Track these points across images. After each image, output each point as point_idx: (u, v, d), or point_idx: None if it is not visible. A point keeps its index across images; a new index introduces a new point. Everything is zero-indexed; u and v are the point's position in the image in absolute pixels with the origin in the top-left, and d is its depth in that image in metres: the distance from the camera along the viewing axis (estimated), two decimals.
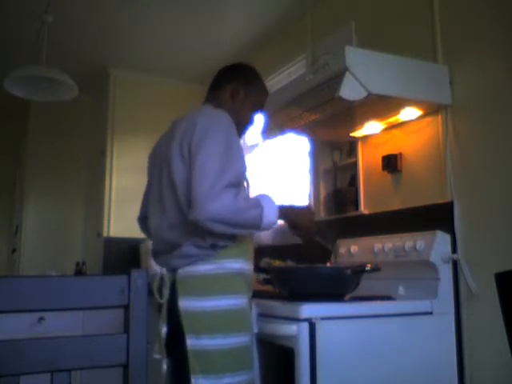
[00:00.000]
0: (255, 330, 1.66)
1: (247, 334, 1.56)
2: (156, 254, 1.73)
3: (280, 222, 1.69)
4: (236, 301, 1.55)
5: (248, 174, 1.69)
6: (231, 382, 1.49)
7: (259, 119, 1.93)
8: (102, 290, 0.92)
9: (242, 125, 1.81)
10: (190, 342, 1.49)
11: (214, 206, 1.45)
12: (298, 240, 1.83)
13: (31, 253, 4.34)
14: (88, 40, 3.66)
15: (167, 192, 1.63)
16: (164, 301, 1.56)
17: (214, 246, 1.56)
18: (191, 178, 1.51)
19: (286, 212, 1.69)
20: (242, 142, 1.76)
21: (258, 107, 1.86)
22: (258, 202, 1.56)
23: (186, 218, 1.55)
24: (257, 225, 1.55)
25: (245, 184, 1.68)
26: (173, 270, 1.58)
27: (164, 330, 1.56)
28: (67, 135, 4.56)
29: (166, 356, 1.59)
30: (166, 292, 1.56)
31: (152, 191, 1.75)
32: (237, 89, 1.80)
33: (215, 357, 1.48)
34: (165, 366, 1.56)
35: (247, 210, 1.52)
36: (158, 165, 1.71)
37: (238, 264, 1.59)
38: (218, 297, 1.53)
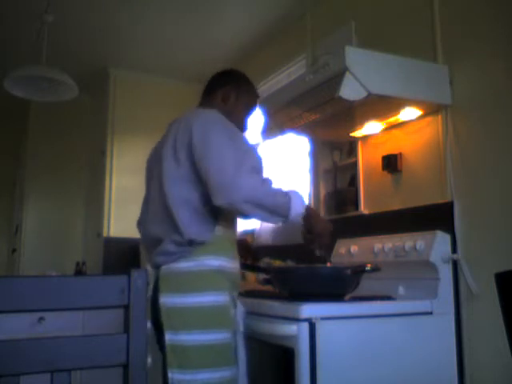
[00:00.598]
0: (241, 329, 1.66)
1: (227, 331, 1.57)
2: (147, 252, 1.76)
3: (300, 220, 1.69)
4: (215, 297, 1.56)
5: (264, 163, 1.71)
6: (208, 378, 1.50)
7: (251, 124, 1.95)
8: (102, 290, 0.92)
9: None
10: (168, 337, 1.52)
11: (245, 186, 1.48)
12: (300, 240, 1.83)
13: (31, 253, 4.34)
14: (88, 40, 3.66)
15: (155, 189, 1.68)
16: (148, 297, 1.59)
17: (191, 243, 1.58)
18: (207, 172, 1.52)
19: (310, 213, 1.70)
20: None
21: (250, 110, 1.90)
22: (286, 192, 1.59)
23: (169, 213, 1.58)
24: (285, 213, 1.57)
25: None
26: (157, 267, 1.62)
27: (148, 325, 1.58)
28: (67, 135, 4.56)
29: (160, 350, 1.61)
30: (150, 289, 1.60)
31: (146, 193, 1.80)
32: (228, 92, 1.85)
33: (192, 352, 1.50)
34: (149, 360, 1.58)
35: (276, 195, 1.55)
36: (152, 168, 1.76)
37: (218, 261, 1.60)
38: (197, 293, 1.54)
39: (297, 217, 1.61)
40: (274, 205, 1.55)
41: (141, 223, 1.89)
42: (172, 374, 1.50)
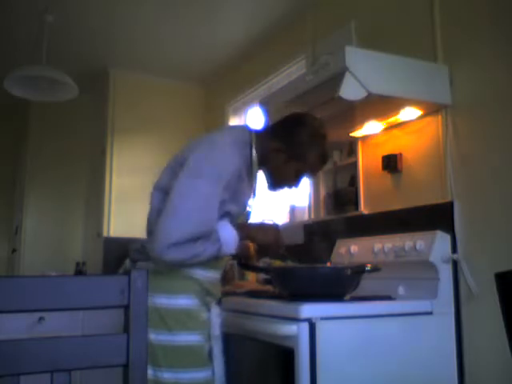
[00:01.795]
0: (216, 332, 1.66)
1: (196, 333, 1.58)
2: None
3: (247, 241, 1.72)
4: (182, 300, 1.58)
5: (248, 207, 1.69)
6: (170, 378, 1.52)
7: (305, 183, 1.86)
8: (102, 289, 0.91)
9: (280, 183, 1.76)
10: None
11: (168, 256, 1.48)
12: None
13: (31, 253, 4.34)
14: (88, 40, 3.66)
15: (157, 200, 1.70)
16: None
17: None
18: (163, 211, 1.52)
19: (250, 232, 1.70)
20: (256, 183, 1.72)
21: (305, 173, 1.73)
22: (217, 238, 1.55)
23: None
24: (213, 257, 1.58)
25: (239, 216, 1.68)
26: (134, 261, 1.71)
27: None
28: (67, 135, 4.56)
29: None
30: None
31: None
32: (279, 149, 1.68)
33: (159, 352, 1.53)
34: None
35: (203, 253, 1.53)
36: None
37: (187, 267, 1.60)
38: (165, 295, 1.57)
39: (227, 255, 1.63)
40: (200, 259, 1.54)
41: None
42: (148, 370, 1.52)
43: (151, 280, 1.55)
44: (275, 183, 1.76)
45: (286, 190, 1.80)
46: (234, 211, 1.63)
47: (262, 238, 1.72)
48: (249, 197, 1.70)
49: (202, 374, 1.56)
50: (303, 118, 1.75)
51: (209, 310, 1.66)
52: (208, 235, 1.53)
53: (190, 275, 1.60)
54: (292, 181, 1.75)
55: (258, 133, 1.71)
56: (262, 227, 1.76)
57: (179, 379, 1.52)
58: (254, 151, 1.66)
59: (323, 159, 1.74)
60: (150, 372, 1.52)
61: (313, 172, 1.76)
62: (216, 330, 1.67)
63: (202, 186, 1.52)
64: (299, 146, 1.68)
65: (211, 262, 1.62)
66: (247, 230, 1.69)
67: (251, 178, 1.68)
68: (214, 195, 1.53)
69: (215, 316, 1.68)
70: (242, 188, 1.63)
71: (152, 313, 1.53)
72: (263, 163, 1.70)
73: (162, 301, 1.56)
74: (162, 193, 1.63)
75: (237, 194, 1.62)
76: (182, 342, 1.55)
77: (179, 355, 1.54)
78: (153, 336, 1.53)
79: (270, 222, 1.79)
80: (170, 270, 1.59)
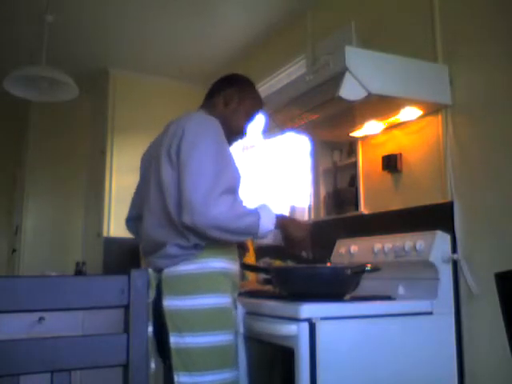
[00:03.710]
0: (241, 330, 1.66)
1: (230, 332, 1.57)
2: (145, 255, 1.75)
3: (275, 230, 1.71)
4: (218, 299, 1.56)
5: (242, 181, 1.70)
6: (214, 380, 1.50)
7: (251, 131, 1.93)
8: (102, 290, 0.91)
9: (233, 133, 1.81)
10: (173, 340, 1.52)
11: (212, 213, 1.47)
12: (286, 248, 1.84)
13: (31, 253, 4.34)
14: (88, 40, 3.66)
15: (155, 193, 1.66)
16: (150, 301, 1.57)
17: (197, 246, 1.58)
18: (183, 182, 1.52)
19: (285, 223, 1.71)
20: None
21: (251, 116, 1.86)
22: (256, 210, 1.59)
23: (171, 218, 1.57)
24: (253, 232, 1.58)
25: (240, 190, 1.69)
26: (159, 271, 1.61)
27: (150, 329, 1.57)
28: (67, 135, 4.56)
29: (160, 356, 1.61)
30: (152, 292, 1.58)
31: (142, 192, 1.78)
32: (230, 96, 1.82)
33: (197, 355, 1.50)
34: (153, 365, 1.58)
35: (244, 217, 1.54)
36: (148, 166, 1.75)
37: (220, 263, 1.60)
38: (200, 295, 1.54)
39: (266, 233, 1.62)
40: (241, 227, 1.55)
41: (131, 220, 1.89)
42: (178, 377, 1.50)
43: (186, 282, 1.55)
44: (230, 133, 1.78)
45: (237, 137, 1.86)
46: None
47: (294, 232, 1.72)
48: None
49: (232, 374, 1.55)
50: (230, 75, 1.93)
51: (236, 306, 1.66)
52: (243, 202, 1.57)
53: (222, 271, 1.59)
54: (242, 125, 1.83)
55: (205, 105, 1.84)
56: (295, 221, 1.79)
57: (215, 381, 1.50)
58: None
59: (261, 101, 1.90)
60: (185, 379, 1.49)
61: (257, 113, 1.87)
62: (241, 327, 1.68)
63: (206, 148, 1.56)
64: (244, 89, 1.85)
65: (233, 250, 1.64)
66: (281, 220, 1.68)
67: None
68: (222, 151, 1.59)
69: (240, 312, 1.69)
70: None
71: (188, 315, 1.53)
72: (223, 123, 1.73)
73: (198, 301, 1.53)
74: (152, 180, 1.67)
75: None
76: (219, 343, 1.53)
77: (217, 356, 1.52)
78: (190, 339, 1.51)
79: (303, 219, 1.82)
80: (204, 271, 1.56)
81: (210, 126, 1.63)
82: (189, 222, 1.49)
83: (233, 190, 1.56)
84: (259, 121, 2.09)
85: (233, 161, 1.62)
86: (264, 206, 1.64)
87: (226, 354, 1.54)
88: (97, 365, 0.90)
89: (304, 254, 1.80)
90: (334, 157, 2.80)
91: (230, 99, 1.81)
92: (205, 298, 1.54)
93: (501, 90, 1.94)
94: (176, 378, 1.50)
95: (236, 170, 1.62)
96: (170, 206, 1.58)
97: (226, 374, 1.53)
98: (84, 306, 0.95)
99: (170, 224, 1.59)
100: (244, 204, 1.59)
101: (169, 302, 1.55)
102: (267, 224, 1.59)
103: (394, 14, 2.47)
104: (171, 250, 1.59)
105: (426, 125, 2.23)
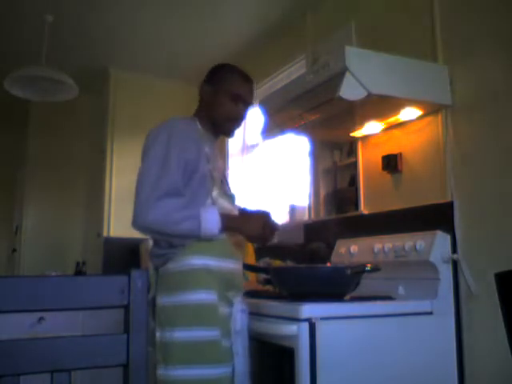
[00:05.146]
0: (237, 328, 1.66)
1: (214, 329, 1.57)
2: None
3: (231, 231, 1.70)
4: (200, 295, 1.57)
5: (229, 179, 1.72)
6: (186, 374, 1.51)
7: (252, 112, 1.90)
8: (102, 289, 0.91)
9: (225, 120, 1.77)
10: (157, 334, 1.57)
11: (147, 218, 1.53)
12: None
13: (31, 253, 4.34)
14: (88, 40, 3.66)
15: None
16: (150, 298, 1.62)
17: (171, 246, 1.62)
18: (135, 186, 1.60)
19: (237, 224, 1.69)
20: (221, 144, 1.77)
21: (236, 96, 1.75)
22: (198, 214, 1.58)
23: None
24: (194, 235, 1.59)
25: (219, 188, 1.70)
26: (156, 269, 1.66)
27: (151, 324, 1.61)
28: (67, 135, 4.56)
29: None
30: (152, 290, 1.64)
31: None
32: (204, 90, 1.79)
33: (174, 349, 1.53)
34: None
35: (182, 222, 1.56)
36: None
37: (202, 260, 1.60)
38: (182, 292, 1.57)
39: (211, 235, 1.60)
40: (179, 232, 1.57)
41: None
42: (158, 370, 1.54)
43: (171, 280, 1.58)
44: (221, 122, 1.77)
45: (237, 125, 1.82)
46: (215, 175, 1.68)
47: (249, 229, 1.69)
48: (218, 163, 1.77)
49: (216, 371, 1.55)
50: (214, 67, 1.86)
51: (230, 304, 1.65)
52: (185, 205, 1.59)
53: (203, 267, 1.59)
54: (231, 109, 1.76)
55: (195, 111, 1.83)
56: (248, 217, 1.74)
57: (193, 376, 1.51)
58: (198, 122, 1.75)
59: (246, 78, 1.80)
60: (163, 372, 1.52)
61: (239, 90, 1.78)
62: (237, 325, 1.66)
63: (155, 152, 1.61)
64: (214, 76, 1.80)
65: (221, 247, 1.63)
66: (232, 222, 1.67)
67: (211, 145, 1.75)
68: (169, 154, 1.59)
69: (237, 311, 1.67)
70: (206, 153, 1.68)
71: (170, 311, 1.56)
72: (207, 118, 1.76)
73: (179, 298, 1.56)
74: None
75: (207, 157, 1.67)
76: (198, 338, 1.54)
77: (196, 352, 1.53)
78: (169, 334, 1.54)
79: (256, 210, 1.78)
80: (185, 268, 1.58)
81: (166, 129, 1.66)
82: (133, 225, 1.57)
83: (175, 193, 1.57)
84: (257, 114, 2.04)
85: (182, 163, 1.60)
86: (208, 209, 1.61)
87: (206, 350, 1.54)
88: (97, 365, 0.90)
89: (273, 241, 1.78)
90: (334, 157, 2.80)
91: (205, 93, 1.78)
92: (186, 294, 1.56)
93: (500, 90, 1.94)
94: (157, 371, 1.54)
95: (173, 171, 1.59)
96: None
97: (205, 370, 1.53)
98: (84, 306, 0.95)
99: None
100: (186, 208, 1.59)
101: (158, 300, 1.60)
102: (210, 228, 1.59)
103: (394, 14, 2.47)
104: (154, 249, 1.68)
105: (426, 125, 2.23)
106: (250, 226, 1.69)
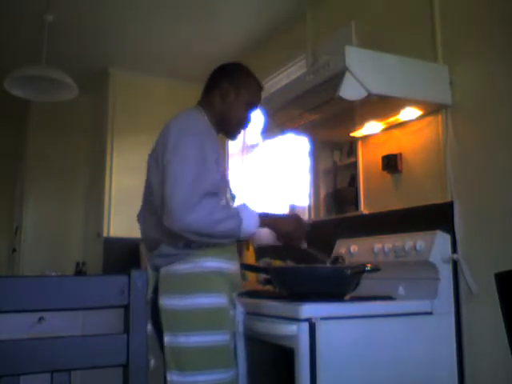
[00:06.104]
0: (240, 330, 1.66)
1: (225, 332, 1.57)
2: (148, 251, 1.78)
3: (266, 229, 1.72)
4: (213, 299, 1.56)
5: (230, 180, 1.71)
6: (206, 380, 1.50)
7: (256, 116, 1.91)
8: (102, 289, 0.92)
9: (235, 126, 1.80)
10: (167, 339, 1.53)
11: (189, 218, 1.47)
12: (288, 247, 1.84)
13: (31, 253, 4.34)
14: (88, 40, 3.66)
15: (149, 194, 1.70)
16: (148, 299, 1.58)
17: (189, 246, 1.59)
18: (164, 186, 1.52)
19: (271, 221, 1.70)
20: (227, 144, 1.77)
21: (252, 104, 1.81)
22: (237, 213, 1.57)
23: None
24: (235, 235, 1.58)
25: (227, 191, 1.70)
26: (156, 269, 1.63)
27: (148, 327, 1.58)
28: (67, 135, 4.56)
29: (162, 353, 1.61)
30: (150, 291, 1.60)
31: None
32: (226, 91, 1.77)
33: (190, 354, 1.51)
34: (152, 362, 1.58)
35: (224, 221, 1.54)
36: (149, 168, 1.76)
37: (216, 263, 1.60)
38: (195, 295, 1.54)
39: (249, 235, 1.61)
40: (221, 232, 1.54)
41: (140, 217, 1.90)
42: (170, 376, 1.51)
43: (181, 282, 1.55)
44: (232, 126, 1.78)
45: (241, 129, 1.83)
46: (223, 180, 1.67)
47: (283, 228, 1.72)
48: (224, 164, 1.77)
49: (227, 375, 1.54)
50: (223, 66, 1.86)
51: (234, 307, 1.65)
52: (225, 202, 1.57)
53: (217, 271, 1.58)
54: (244, 116, 1.79)
55: (202, 101, 1.80)
56: (281, 216, 1.79)
57: (208, 381, 1.50)
58: (206, 118, 1.73)
59: (260, 86, 1.85)
60: (177, 378, 1.50)
61: (257, 100, 1.82)
62: (240, 327, 1.67)
63: (187, 150, 1.55)
64: (238, 79, 1.79)
65: (231, 250, 1.63)
66: (268, 220, 1.68)
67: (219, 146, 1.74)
68: (205, 152, 1.56)
69: (240, 312, 1.67)
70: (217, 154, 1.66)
71: (182, 315, 1.53)
72: (218, 116, 1.75)
73: (193, 301, 1.53)
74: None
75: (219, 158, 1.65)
76: (213, 343, 1.53)
77: (211, 356, 1.52)
78: (183, 339, 1.51)
79: (288, 214, 1.81)
80: (199, 270, 1.56)
81: (196, 124, 1.64)
82: (167, 225, 1.51)
83: (214, 193, 1.55)
84: (257, 114, 2.06)
85: (215, 162, 1.59)
86: (245, 208, 1.62)
87: (220, 354, 1.54)
88: (97, 365, 0.90)
89: (303, 245, 1.80)
90: (334, 157, 2.80)
91: (226, 94, 1.76)
92: (199, 297, 1.54)
93: (501, 90, 1.94)
94: (169, 377, 1.51)
95: (217, 172, 1.59)
96: (158, 207, 1.61)
97: (220, 375, 1.52)
98: (84, 306, 0.95)
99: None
100: (224, 207, 1.60)
101: (164, 301, 1.56)
102: (249, 227, 1.59)
103: (394, 14, 2.47)
104: (165, 249, 1.61)
105: (426, 125, 2.23)
106: (285, 225, 1.72)
